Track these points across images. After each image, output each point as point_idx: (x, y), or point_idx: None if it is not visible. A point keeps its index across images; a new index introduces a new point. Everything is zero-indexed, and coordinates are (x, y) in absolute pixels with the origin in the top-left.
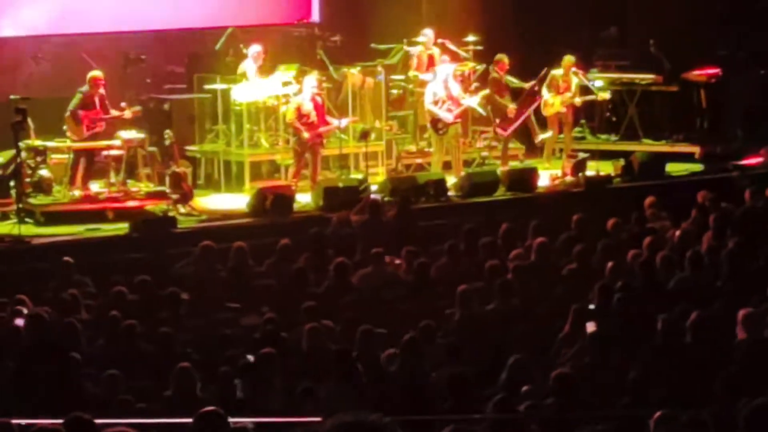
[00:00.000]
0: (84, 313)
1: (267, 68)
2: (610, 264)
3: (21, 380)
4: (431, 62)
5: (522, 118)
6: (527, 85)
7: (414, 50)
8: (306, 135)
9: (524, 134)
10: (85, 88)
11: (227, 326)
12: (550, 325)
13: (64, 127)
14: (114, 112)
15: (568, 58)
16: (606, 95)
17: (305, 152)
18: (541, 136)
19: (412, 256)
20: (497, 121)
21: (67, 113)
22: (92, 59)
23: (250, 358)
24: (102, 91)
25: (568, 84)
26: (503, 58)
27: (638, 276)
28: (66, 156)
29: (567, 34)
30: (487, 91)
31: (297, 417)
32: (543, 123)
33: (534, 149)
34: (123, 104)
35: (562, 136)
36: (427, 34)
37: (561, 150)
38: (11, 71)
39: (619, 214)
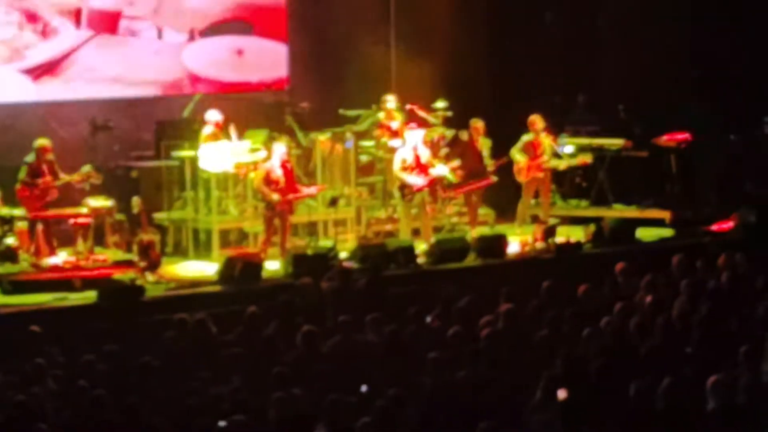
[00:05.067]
0: (51, 383)
1: (226, 134)
2: (585, 331)
3: None
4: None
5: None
6: (490, 164)
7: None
8: (275, 198)
9: (494, 199)
10: (30, 157)
11: (196, 395)
12: (520, 392)
13: (19, 203)
14: (63, 176)
15: (533, 118)
16: (588, 158)
17: (274, 218)
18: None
19: (381, 324)
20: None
21: (18, 186)
22: (59, 126)
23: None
24: (51, 157)
25: (541, 146)
26: (476, 122)
27: (610, 342)
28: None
29: (538, 100)
30: (458, 162)
31: None
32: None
33: (505, 215)
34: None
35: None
36: (390, 99)
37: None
38: None
39: (590, 280)
